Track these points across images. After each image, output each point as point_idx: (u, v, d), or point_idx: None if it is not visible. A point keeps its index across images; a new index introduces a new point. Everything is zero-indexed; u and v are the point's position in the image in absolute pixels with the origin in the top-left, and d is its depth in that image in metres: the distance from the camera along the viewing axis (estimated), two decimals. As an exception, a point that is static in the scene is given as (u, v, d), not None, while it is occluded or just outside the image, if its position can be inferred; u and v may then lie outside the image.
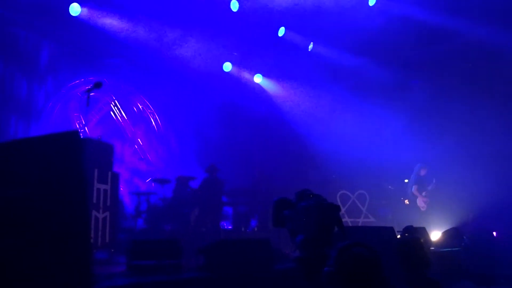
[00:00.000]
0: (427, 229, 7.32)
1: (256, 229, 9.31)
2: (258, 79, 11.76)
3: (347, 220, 10.63)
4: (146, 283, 4.48)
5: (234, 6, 9.50)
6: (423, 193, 10.01)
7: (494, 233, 6.94)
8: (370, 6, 9.43)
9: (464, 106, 9.75)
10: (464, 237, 6.66)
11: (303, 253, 2.77)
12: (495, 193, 8.79)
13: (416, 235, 5.87)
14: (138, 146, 10.84)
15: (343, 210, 10.84)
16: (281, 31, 10.40)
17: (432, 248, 6.56)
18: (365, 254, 2.19)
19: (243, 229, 9.26)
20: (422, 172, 10.18)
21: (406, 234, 6.19)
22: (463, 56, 9.92)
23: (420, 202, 10.08)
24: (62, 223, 3.27)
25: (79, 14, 8.73)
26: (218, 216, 9.02)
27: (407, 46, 10.07)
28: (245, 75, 11.54)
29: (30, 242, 3.09)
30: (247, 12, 9.61)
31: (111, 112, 10.45)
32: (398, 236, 6.12)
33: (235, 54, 11.07)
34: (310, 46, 10.80)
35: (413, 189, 10.14)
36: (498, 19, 8.80)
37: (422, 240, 3.50)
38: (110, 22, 9.12)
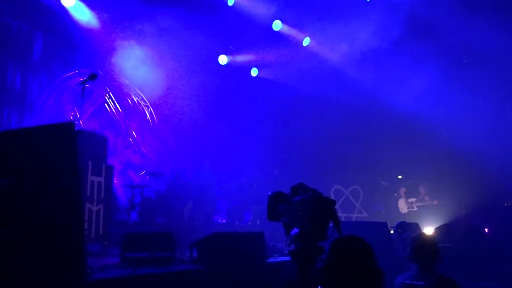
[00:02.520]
0: (420, 225, 7.37)
1: (250, 222, 9.34)
2: (254, 73, 11.75)
3: (340, 215, 10.67)
4: (139, 275, 4.48)
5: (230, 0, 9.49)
6: (410, 200, 10.14)
7: (486, 230, 7.01)
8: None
9: (458, 101, 9.82)
10: (456, 234, 6.71)
11: (297, 246, 2.78)
12: (486, 190, 8.87)
13: (409, 231, 5.93)
14: (132, 138, 10.80)
15: (337, 205, 10.89)
16: (277, 25, 10.37)
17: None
18: (359, 248, 2.21)
19: (237, 223, 9.28)
20: (422, 189, 10.29)
21: (399, 230, 6.24)
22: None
23: (401, 204, 10.22)
24: (56, 215, 3.26)
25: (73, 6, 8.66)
26: (212, 210, 9.04)
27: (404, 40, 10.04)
28: (241, 67, 11.51)
29: (24, 233, 3.08)
30: (242, 5, 9.60)
31: (106, 105, 10.39)
32: (392, 232, 6.16)
33: (231, 47, 11.04)
34: (306, 41, 10.78)
35: (400, 190, 10.32)
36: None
37: (435, 238, 3.59)
38: (104, 14, 9.06)
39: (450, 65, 10.03)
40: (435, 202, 9.96)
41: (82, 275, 3.45)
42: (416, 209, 10.20)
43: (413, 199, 10.23)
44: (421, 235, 3.81)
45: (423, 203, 10.12)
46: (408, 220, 7.37)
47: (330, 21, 9.60)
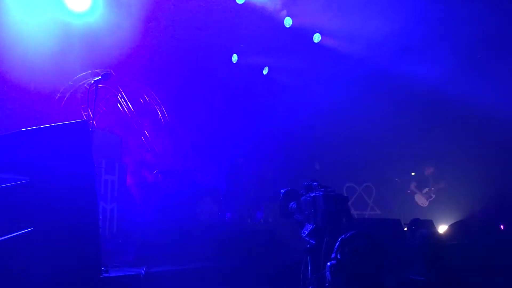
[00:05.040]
0: (434, 222, 7.30)
1: (262, 220, 9.34)
2: (266, 71, 11.73)
3: (353, 212, 10.63)
4: (153, 272, 4.52)
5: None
6: (425, 190, 10.04)
7: (501, 226, 6.92)
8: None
9: (467, 99, 9.68)
10: (471, 230, 6.63)
11: (310, 244, 2.78)
12: (502, 186, 8.75)
13: (423, 227, 5.88)
14: (145, 137, 10.87)
15: (349, 202, 10.82)
16: (288, 22, 10.33)
17: (439, 240, 6.54)
18: (367, 246, 2.19)
19: (249, 220, 9.29)
20: (427, 171, 10.23)
21: (413, 227, 6.19)
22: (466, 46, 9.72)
23: (419, 198, 10.13)
24: (72, 213, 3.30)
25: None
26: (223, 208, 9.08)
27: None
28: (252, 65, 11.49)
29: (41, 231, 3.12)
30: (253, 3, 9.58)
31: (118, 104, 10.47)
32: (405, 229, 6.12)
33: (242, 45, 11.03)
34: (317, 37, 10.72)
35: (411, 186, 10.26)
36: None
37: (441, 235, 3.59)
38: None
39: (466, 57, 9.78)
40: (441, 186, 9.96)
41: (97, 272, 3.49)
42: (433, 197, 10.07)
43: (427, 189, 10.13)
44: (429, 231, 3.80)
45: (437, 187, 10.04)
46: (422, 217, 7.30)
47: (342, 15, 9.52)
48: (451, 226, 7.11)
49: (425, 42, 9.67)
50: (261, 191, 9.43)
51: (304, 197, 2.91)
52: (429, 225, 6.59)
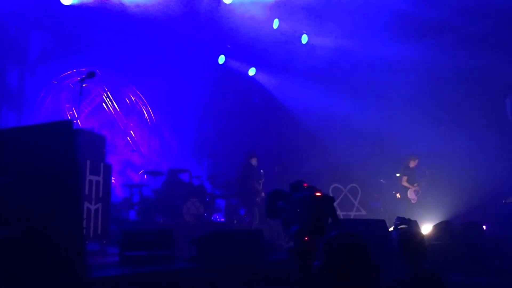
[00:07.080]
0: (418, 222, 7.36)
1: (248, 221, 9.32)
2: (252, 72, 11.72)
3: (339, 213, 10.61)
4: (138, 273, 4.48)
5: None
6: (415, 184, 10.05)
7: (484, 227, 7.02)
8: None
9: (456, 99, 9.82)
10: (455, 231, 6.71)
11: (296, 244, 2.78)
12: (485, 187, 8.88)
13: (408, 227, 5.92)
14: (131, 138, 10.79)
15: (335, 202, 10.84)
16: (275, 23, 10.35)
17: (423, 241, 6.60)
18: (352, 244, 2.19)
19: (235, 221, 9.27)
20: (412, 164, 10.19)
21: (400, 225, 6.22)
22: (457, 49, 9.86)
23: (411, 194, 10.12)
24: (55, 214, 3.25)
25: (71, 4, 8.61)
26: (210, 208, 9.07)
27: (400, 39, 10.00)
28: (239, 67, 11.48)
29: (23, 232, 3.07)
30: (240, 4, 9.58)
31: (103, 104, 10.38)
32: (391, 229, 6.16)
33: (229, 46, 11.02)
34: (304, 38, 10.76)
35: (401, 180, 10.19)
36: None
37: (422, 233, 3.56)
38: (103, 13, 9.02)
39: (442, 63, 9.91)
40: (424, 183, 10.02)
41: (81, 274, 3.44)
42: (420, 192, 10.08)
43: (416, 184, 10.16)
44: (408, 230, 3.78)
45: (422, 181, 10.07)
46: (407, 217, 7.35)
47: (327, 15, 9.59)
48: (435, 226, 7.19)
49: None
50: (247, 191, 9.40)
51: (290, 197, 2.92)
52: (414, 226, 6.64)
